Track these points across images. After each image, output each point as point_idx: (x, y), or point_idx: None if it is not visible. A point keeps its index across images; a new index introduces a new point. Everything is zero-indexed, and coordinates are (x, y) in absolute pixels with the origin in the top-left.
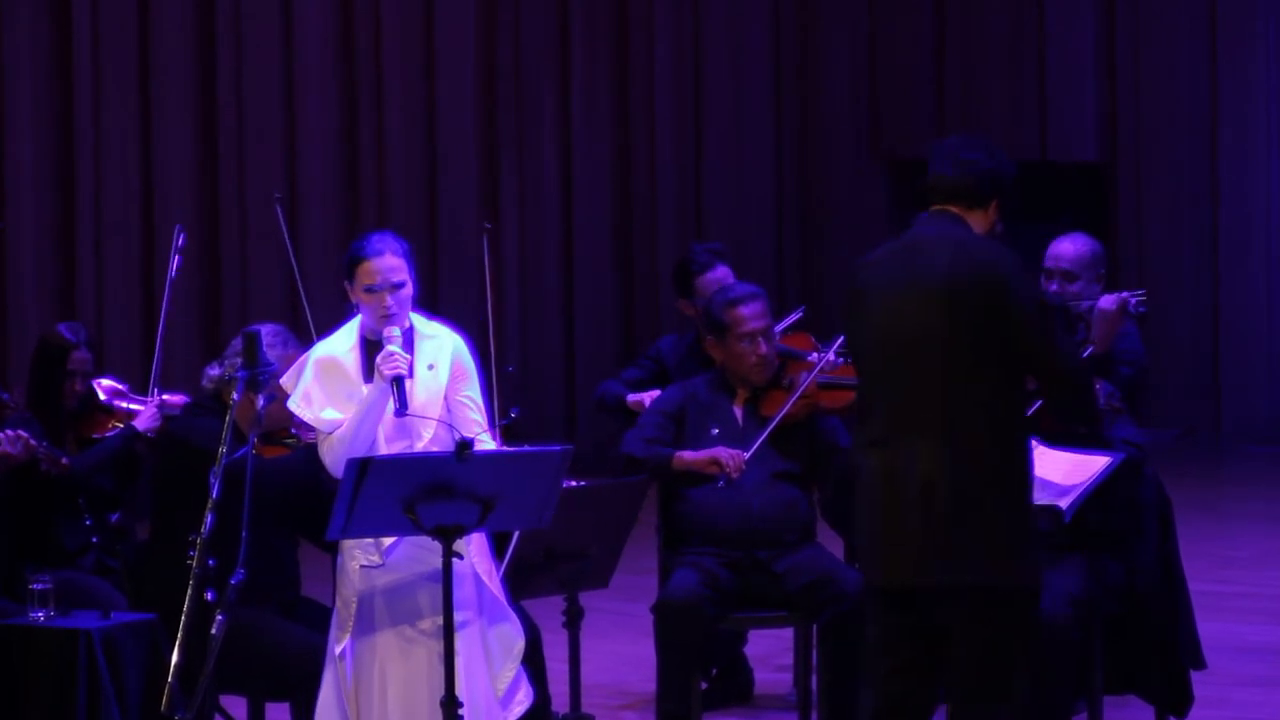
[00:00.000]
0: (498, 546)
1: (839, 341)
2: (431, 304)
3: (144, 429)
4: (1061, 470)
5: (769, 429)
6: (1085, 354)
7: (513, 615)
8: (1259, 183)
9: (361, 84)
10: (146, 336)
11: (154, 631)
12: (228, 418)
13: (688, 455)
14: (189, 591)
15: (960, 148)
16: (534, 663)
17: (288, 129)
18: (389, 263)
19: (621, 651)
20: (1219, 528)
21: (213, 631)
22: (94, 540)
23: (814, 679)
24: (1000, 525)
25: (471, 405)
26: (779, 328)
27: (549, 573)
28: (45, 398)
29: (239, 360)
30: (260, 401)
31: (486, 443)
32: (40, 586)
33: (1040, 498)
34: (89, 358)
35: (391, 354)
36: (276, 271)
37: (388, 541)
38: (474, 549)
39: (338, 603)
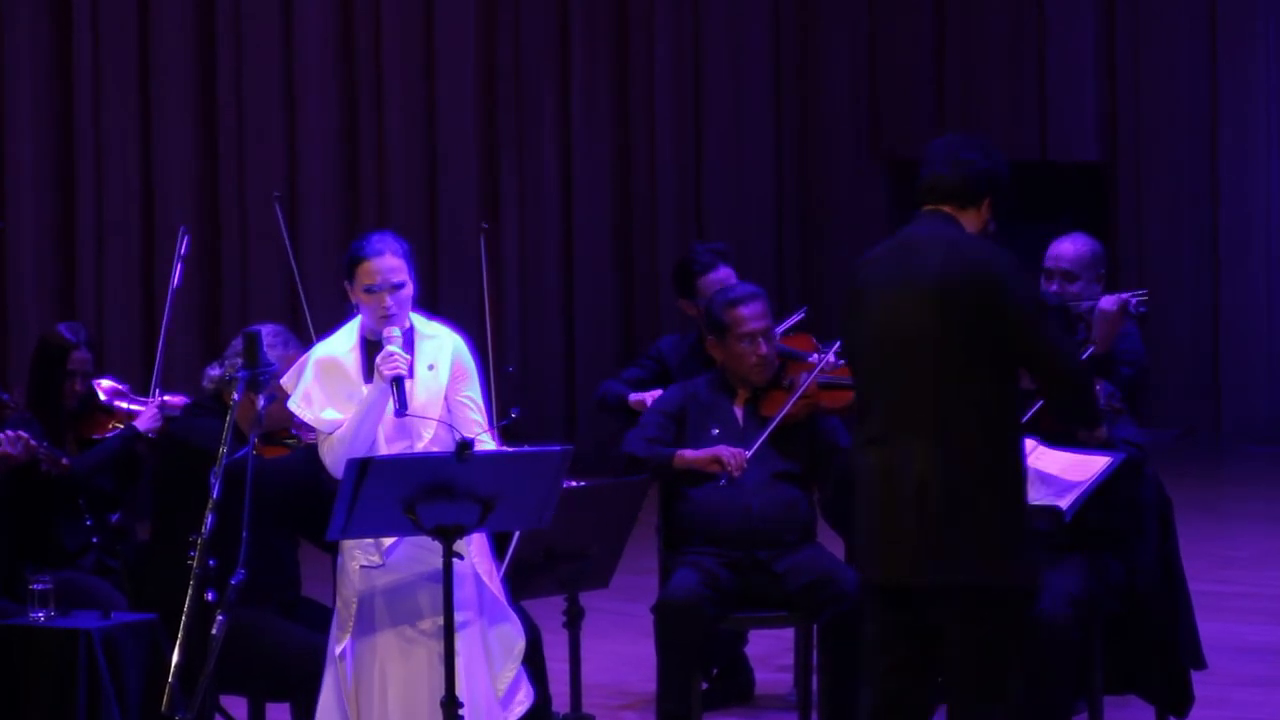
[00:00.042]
0: (498, 547)
1: (839, 343)
2: (431, 304)
3: (144, 429)
4: (1061, 470)
5: (769, 429)
6: (1086, 354)
7: (513, 615)
8: (1259, 183)
9: (361, 84)
10: (147, 336)
11: (154, 632)
12: (228, 418)
13: (689, 454)
14: (189, 592)
15: (956, 148)
16: (534, 663)
17: (288, 129)
18: (389, 263)
19: (622, 651)
20: (1219, 528)
21: (213, 632)
22: (94, 540)
23: (814, 679)
24: (993, 525)
25: (472, 405)
26: (781, 329)
27: (549, 573)
28: (45, 398)
29: (239, 360)
30: (261, 402)
31: (487, 443)
32: (40, 587)
33: (1043, 492)
34: (89, 358)
35: (391, 354)
36: (276, 271)
37: (388, 542)
38: (474, 549)
39: (338, 603)
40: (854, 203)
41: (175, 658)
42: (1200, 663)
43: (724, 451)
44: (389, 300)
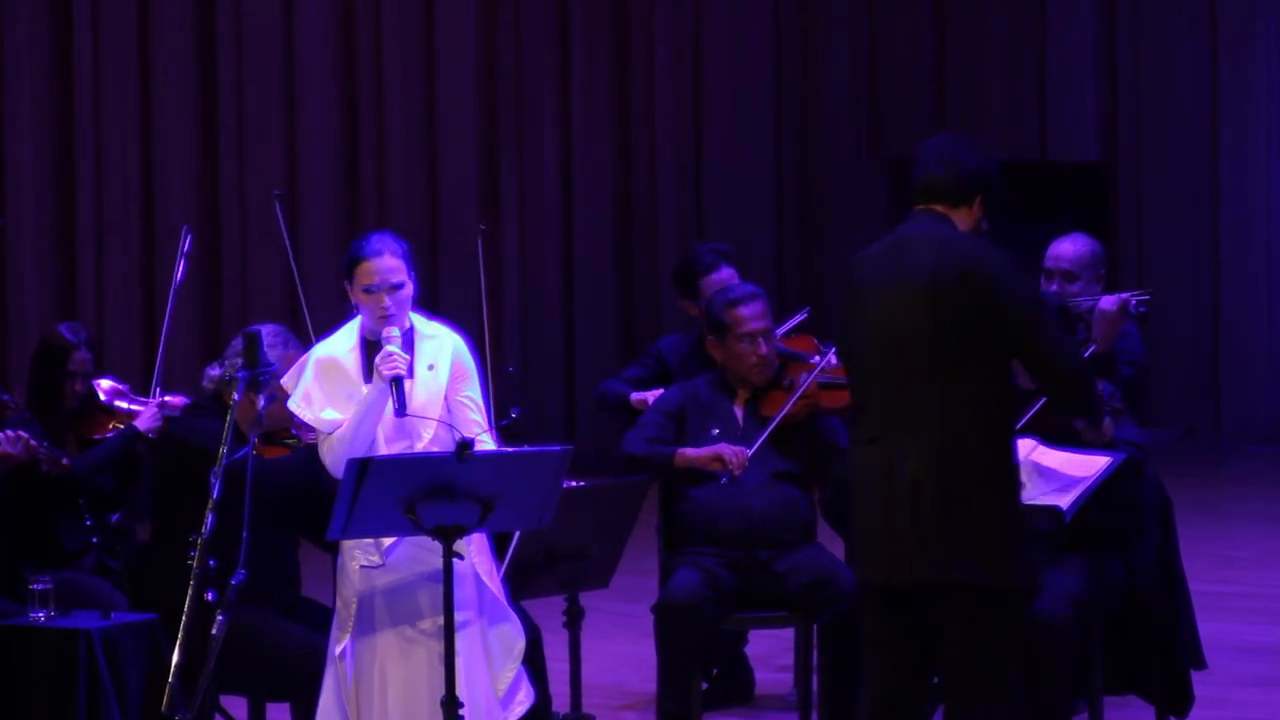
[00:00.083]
0: (498, 547)
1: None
2: (431, 304)
3: (144, 429)
4: (1061, 468)
5: (769, 429)
6: (1086, 354)
7: (513, 615)
8: (1259, 183)
9: (361, 84)
10: (147, 336)
11: (154, 632)
12: (228, 418)
13: (690, 452)
14: (189, 592)
15: (947, 147)
16: (534, 663)
17: (288, 129)
18: (387, 263)
19: (622, 652)
20: (1219, 528)
21: (213, 632)
22: (94, 540)
23: (814, 679)
24: (989, 524)
25: (472, 405)
26: (783, 330)
27: (549, 573)
28: (46, 398)
29: (239, 360)
30: (261, 402)
31: (487, 443)
32: (41, 587)
33: (1043, 488)
34: (90, 358)
35: (390, 354)
36: (276, 271)
37: (387, 542)
38: (474, 549)
39: (338, 603)
40: (854, 203)
41: (175, 658)
42: (1200, 663)
43: (725, 450)
44: (387, 300)
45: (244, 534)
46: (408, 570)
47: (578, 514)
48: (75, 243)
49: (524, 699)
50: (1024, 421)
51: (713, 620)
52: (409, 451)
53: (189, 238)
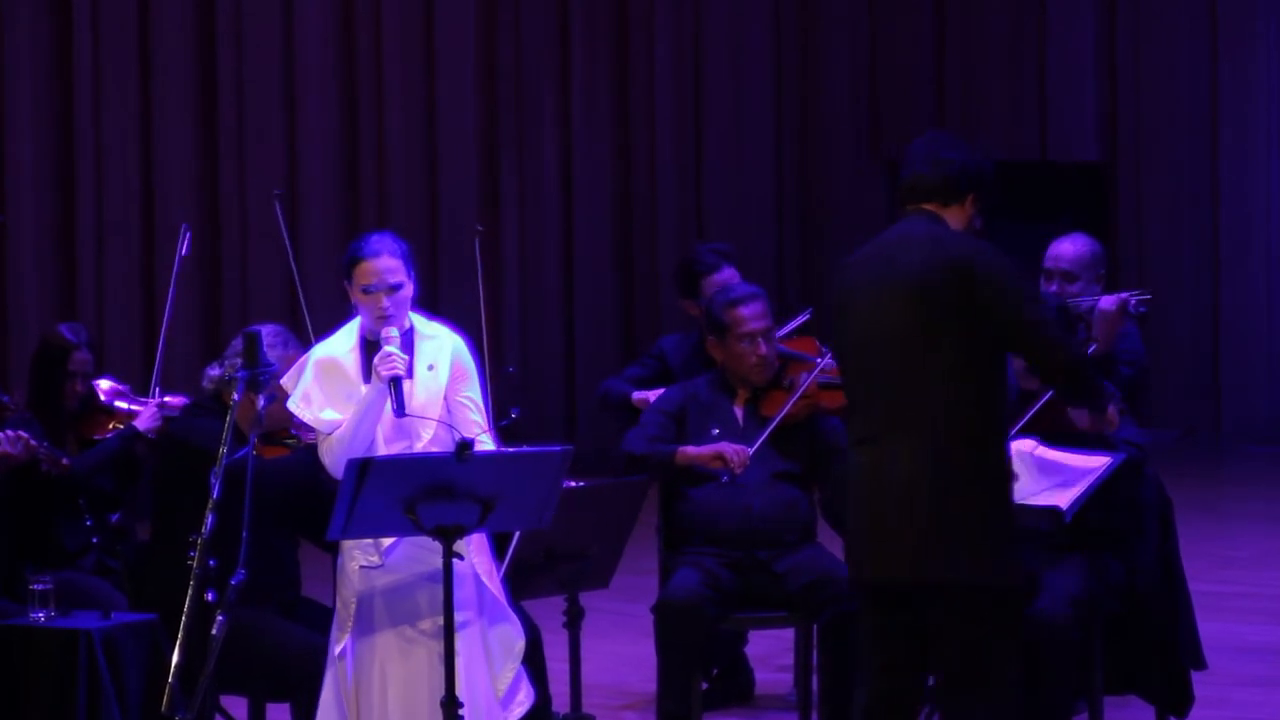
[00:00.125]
0: (498, 547)
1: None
2: (431, 304)
3: (144, 429)
4: (1060, 478)
5: (770, 428)
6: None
7: (513, 615)
8: (1259, 183)
9: (361, 84)
10: (147, 337)
11: (154, 632)
12: (228, 418)
13: (692, 450)
14: (189, 592)
15: (935, 146)
16: (534, 663)
17: (288, 129)
18: (386, 264)
19: (622, 652)
20: (1219, 528)
21: (213, 632)
22: (94, 541)
23: (814, 679)
24: (979, 524)
25: (471, 406)
26: (784, 331)
27: (549, 573)
28: (46, 398)
29: (239, 361)
30: (261, 402)
31: (486, 443)
32: (41, 587)
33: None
34: (90, 358)
35: (388, 355)
36: (276, 271)
37: (387, 542)
38: (474, 549)
39: (338, 603)
40: (854, 203)
41: (175, 658)
42: (1200, 663)
43: (727, 448)
44: (386, 301)
45: (244, 534)
46: (407, 570)
47: (578, 514)
48: (75, 243)
49: (524, 699)
50: (1024, 421)
51: (713, 620)
52: (409, 452)
53: (187, 236)
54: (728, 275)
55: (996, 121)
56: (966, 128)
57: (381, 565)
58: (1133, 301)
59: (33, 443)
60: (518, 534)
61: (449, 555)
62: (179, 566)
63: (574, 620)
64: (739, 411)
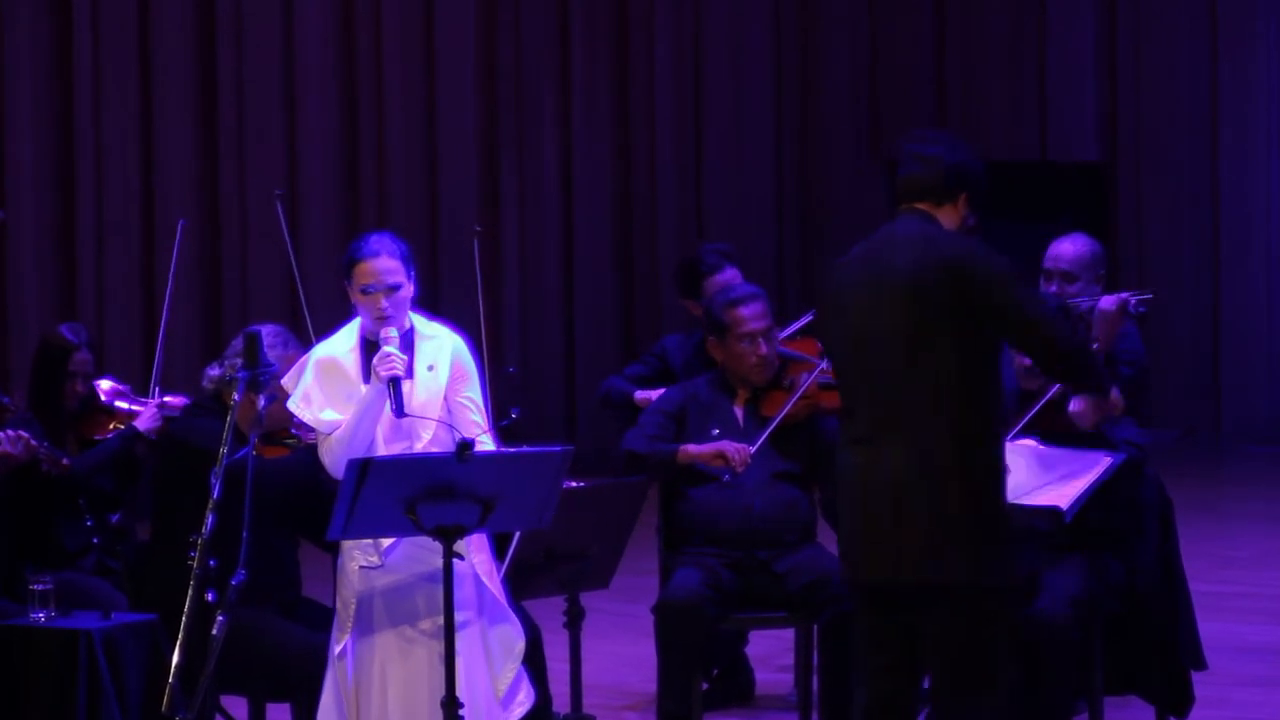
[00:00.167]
0: (499, 547)
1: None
2: (431, 304)
3: (144, 430)
4: (1061, 470)
5: (770, 428)
6: None
7: (513, 616)
8: (1259, 183)
9: (361, 84)
10: (147, 337)
11: (154, 632)
12: (228, 418)
13: (693, 449)
14: (190, 592)
15: (925, 145)
16: (535, 663)
17: (288, 129)
18: (385, 264)
19: (622, 652)
20: (1219, 528)
21: (213, 632)
22: (95, 541)
23: (814, 679)
24: (973, 524)
25: (472, 406)
26: (786, 333)
27: (550, 573)
28: (46, 399)
29: (239, 361)
30: (261, 402)
31: (486, 443)
32: (41, 587)
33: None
34: (90, 359)
35: (387, 355)
36: (276, 271)
37: (386, 542)
38: (474, 549)
39: (338, 603)
40: (854, 203)
41: (175, 658)
42: (1200, 663)
43: (728, 446)
44: (384, 302)
45: (244, 534)
46: (407, 571)
47: (578, 514)
48: (75, 243)
49: (524, 699)
50: (1024, 422)
51: (713, 620)
52: (409, 452)
53: (181, 229)
54: (730, 276)
55: (996, 121)
56: (966, 128)
57: (381, 565)
58: (1133, 301)
59: (33, 443)
60: (518, 534)
61: (449, 555)
62: (179, 567)
63: (574, 620)
64: (739, 411)
